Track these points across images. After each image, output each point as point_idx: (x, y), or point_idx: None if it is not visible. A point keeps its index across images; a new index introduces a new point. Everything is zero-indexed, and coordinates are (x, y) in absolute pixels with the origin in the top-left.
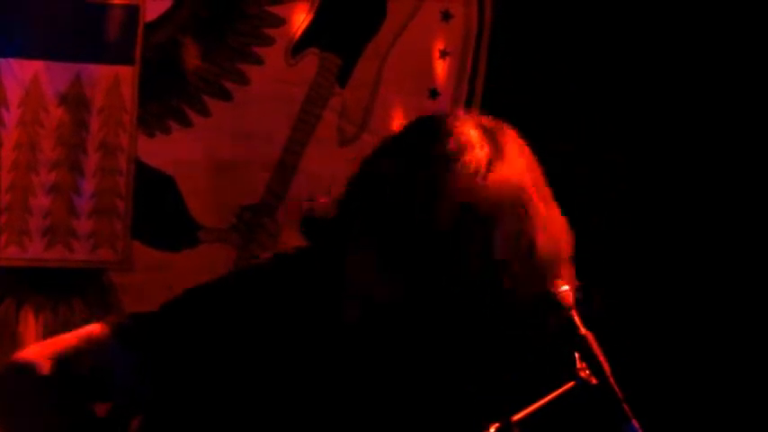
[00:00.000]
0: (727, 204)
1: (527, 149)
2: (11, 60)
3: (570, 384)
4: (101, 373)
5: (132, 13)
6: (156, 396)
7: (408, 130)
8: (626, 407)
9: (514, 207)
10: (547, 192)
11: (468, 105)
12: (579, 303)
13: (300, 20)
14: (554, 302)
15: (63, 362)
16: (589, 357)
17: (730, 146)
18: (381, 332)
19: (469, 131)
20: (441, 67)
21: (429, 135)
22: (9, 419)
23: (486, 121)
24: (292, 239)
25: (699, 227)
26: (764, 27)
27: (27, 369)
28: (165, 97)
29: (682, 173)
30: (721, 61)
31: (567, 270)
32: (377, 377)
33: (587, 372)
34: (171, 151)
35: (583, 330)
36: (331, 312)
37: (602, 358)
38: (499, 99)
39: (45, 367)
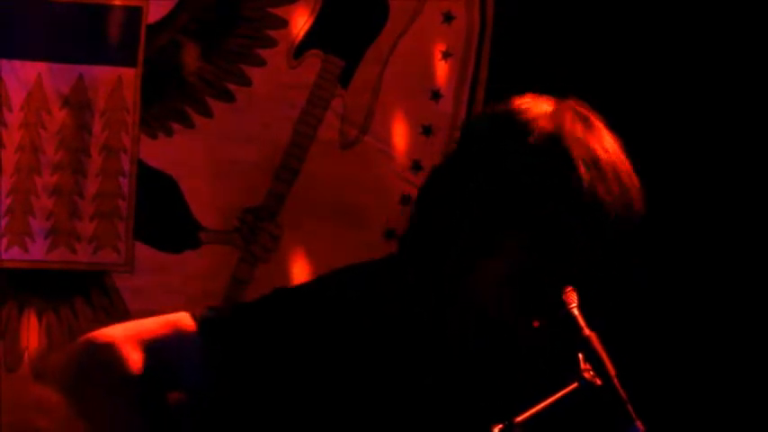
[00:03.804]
0: (732, 207)
1: None
2: (14, 62)
3: (574, 385)
4: (183, 365)
5: (135, 14)
6: (229, 392)
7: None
8: (630, 408)
9: None
10: None
11: (471, 107)
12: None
13: (302, 22)
14: (559, 302)
15: (150, 350)
16: (593, 358)
17: (737, 152)
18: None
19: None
20: (442, 69)
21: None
22: (90, 406)
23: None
24: (294, 242)
25: (706, 227)
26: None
27: (113, 354)
28: (167, 99)
29: (687, 175)
30: (725, 66)
31: None
32: (439, 385)
33: (591, 373)
34: (173, 153)
35: (587, 331)
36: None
37: (606, 359)
38: (502, 100)
39: (132, 353)
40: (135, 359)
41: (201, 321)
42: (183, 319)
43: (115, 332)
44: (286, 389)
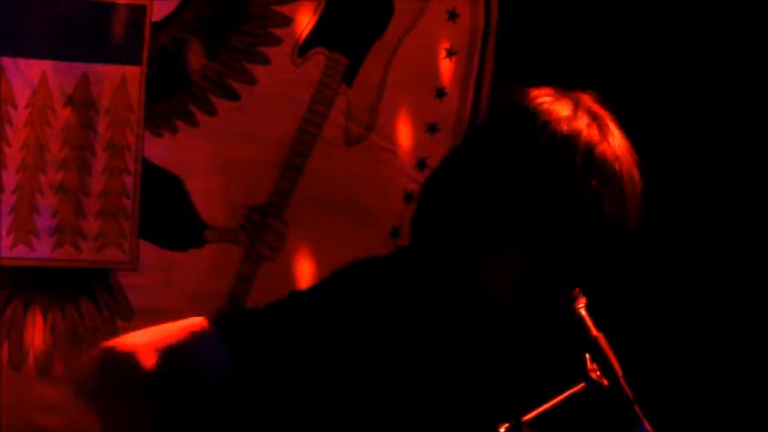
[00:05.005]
0: (737, 207)
1: None
2: (18, 60)
3: (581, 385)
4: (203, 367)
5: (139, 12)
6: (252, 394)
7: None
8: (637, 408)
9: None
10: None
11: (476, 105)
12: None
13: (307, 20)
14: (568, 303)
15: (169, 355)
16: (600, 358)
17: (741, 151)
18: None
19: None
20: (447, 67)
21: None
22: (107, 408)
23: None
24: (299, 239)
25: (715, 229)
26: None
27: (133, 362)
28: (171, 97)
29: (690, 173)
30: (729, 64)
31: None
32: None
33: (598, 373)
34: (178, 151)
35: (594, 331)
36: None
37: (613, 359)
38: (517, 92)
39: (150, 358)
40: (154, 366)
41: (220, 322)
42: (201, 323)
43: (135, 340)
44: (302, 386)
